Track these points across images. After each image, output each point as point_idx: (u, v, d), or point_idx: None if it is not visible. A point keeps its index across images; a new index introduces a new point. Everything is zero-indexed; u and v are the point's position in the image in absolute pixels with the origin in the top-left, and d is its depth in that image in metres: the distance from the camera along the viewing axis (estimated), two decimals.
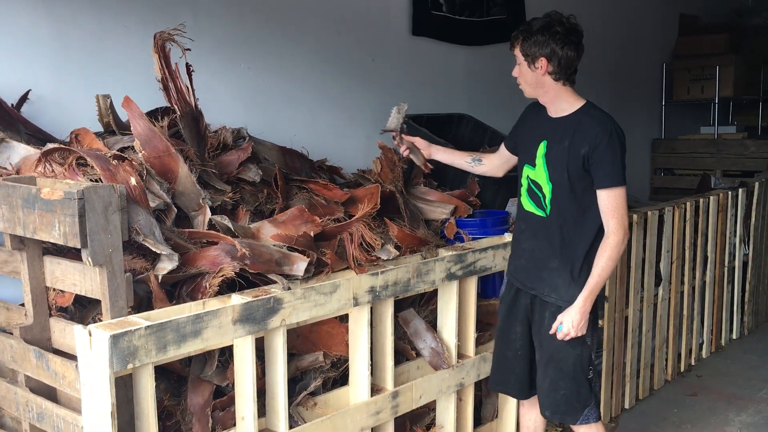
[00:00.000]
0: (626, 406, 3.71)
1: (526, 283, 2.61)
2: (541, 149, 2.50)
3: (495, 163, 2.90)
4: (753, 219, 4.81)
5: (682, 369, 4.22)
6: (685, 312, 4.20)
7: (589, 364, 2.55)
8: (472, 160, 2.93)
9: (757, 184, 4.83)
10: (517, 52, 2.51)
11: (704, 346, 4.47)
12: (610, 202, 2.39)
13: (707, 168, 6.01)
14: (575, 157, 2.41)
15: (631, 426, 3.48)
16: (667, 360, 4.07)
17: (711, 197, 4.36)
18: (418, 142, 2.96)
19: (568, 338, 2.46)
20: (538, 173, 2.52)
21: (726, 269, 4.61)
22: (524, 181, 2.60)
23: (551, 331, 2.49)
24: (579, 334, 2.46)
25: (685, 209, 4.07)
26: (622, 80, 5.77)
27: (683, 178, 6.25)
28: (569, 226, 2.49)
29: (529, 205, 2.59)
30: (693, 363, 4.33)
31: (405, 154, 2.95)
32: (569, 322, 2.44)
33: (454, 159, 2.97)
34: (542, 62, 2.42)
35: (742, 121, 7.04)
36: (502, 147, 2.83)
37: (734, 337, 4.80)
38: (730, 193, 4.57)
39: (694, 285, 4.28)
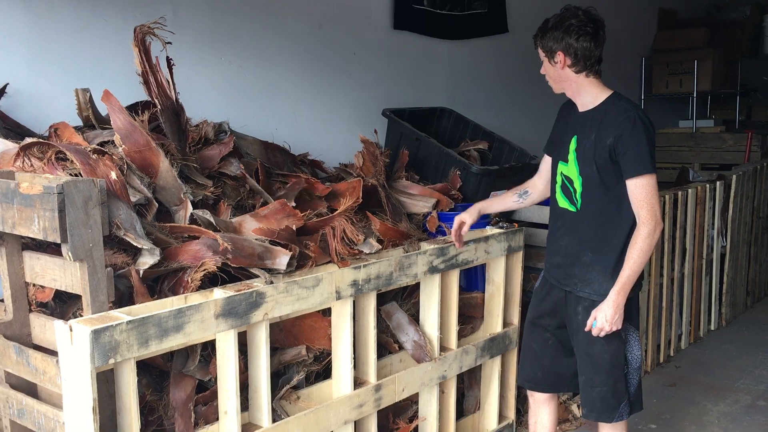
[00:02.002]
0: None
1: (561, 280, 2.58)
2: (573, 144, 2.50)
3: (541, 185, 2.80)
4: (730, 211, 4.87)
5: (662, 360, 4.28)
6: (664, 304, 4.25)
7: (624, 360, 2.51)
8: (518, 196, 2.85)
9: (734, 177, 4.89)
10: (540, 50, 2.51)
11: (683, 337, 4.53)
12: (638, 191, 2.35)
13: (686, 161, 6.07)
14: (602, 149, 2.39)
15: None
16: (646, 351, 4.12)
17: (689, 190, 4.41)
18: (468, 218, 2.80)
19: (603, 334, 2.41)
20: (570, 169, 2.51)
21: (704, 261, 4.67)
22: (558, 178, 2.58)
23: (586, 328, 2.46)
24: (614, 329, 2.41)
25: (664, 202, 4.11)
26: (602, 74, 5.80)
27: (662, 171, 6.26)
28: (602, 220, 2.46)
29: (563, 201, 2.57)
30: (672, 354, 4.39)
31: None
32: (603, 318, 2.40)
33: (504, 203, 2.88)
34: (560, 56, 2.43)
35: (720, 114, 7.12)
36: (545, 158, 2.75)
37: (712, 328, 4.87)
38: (708, 186, 4.63)
39: (673, 277, 4.33)
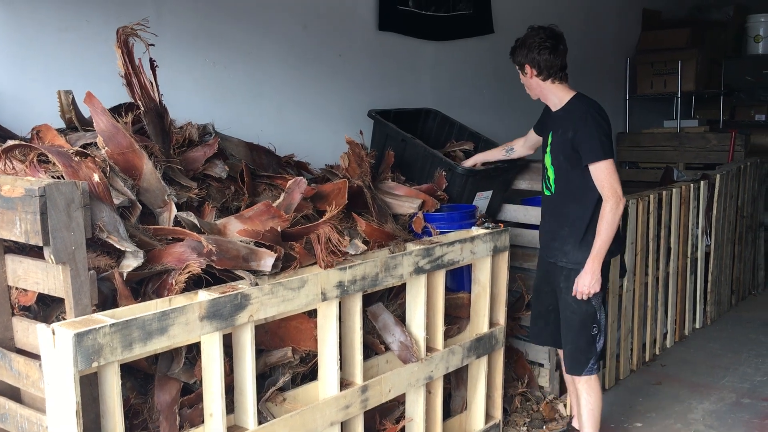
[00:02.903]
0: (606, 386, 3.78)
1: (547, 253, 3.08)
2: (549, 139, 3.00)
3: (524, 147, 3.46)
4: (714, 211, 4.91)
5: (647, 358, 4.30)
6: (649, 303, 4.27)
7: (593, 321, 2.93)
8: (506, 151, 3.55)
9: (718, 176, 4.93)
10: (515, 65, 3.02)
11: (668, 335, 4.56)
12: (598, 173, 2.81)
13: (670, 161, 6.11)
14: (566, 142, 2.87)
15: None
16: (632, 350, 4.14)
17: (674, 190, 4.44)
18: (476, 158, 3.62)
19: (585, 297, 2.87)
20: (547, 160, 3.01)
21: (689, 260, 4.70)
22: (543, 169, 3.08)
23: (572, 293, 2.90)
24: (593, 291, 2.86)
25: (649, 202, 4.14)
26: (587, 74, 5.83)
27: (647, 171, 6.35)
28: (571, 200, 2.93)
29: (544, 188, 3.08)
30: (657, 352, 4.42)
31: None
32: (583, 284, 2.85)
33: (495, 155, 3.59)
34: (528, 68, 2.95)
35: (704, 114, 7.17)
36: (531, 132, 3.37)
37: (697, 326, 4.90)
38: (692, 185, 4.66)
39: (657, 276, 4.36)
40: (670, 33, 6.65)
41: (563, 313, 3.00)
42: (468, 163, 3.61)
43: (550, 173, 2.98)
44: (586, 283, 2.85)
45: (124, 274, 2.09)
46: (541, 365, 3.77)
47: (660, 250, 4.34)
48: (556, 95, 2.96)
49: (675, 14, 7.20)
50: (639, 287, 4.13)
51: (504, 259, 3.23)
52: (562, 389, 3.74)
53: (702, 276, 4.89)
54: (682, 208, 4.52)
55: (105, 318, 1.88)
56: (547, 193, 3.04)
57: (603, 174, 2.79)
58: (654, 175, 5.72)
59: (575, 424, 3.31)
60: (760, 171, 5.74)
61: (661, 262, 4.38)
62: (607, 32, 6.36)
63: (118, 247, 2.07)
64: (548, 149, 2.99)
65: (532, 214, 3.75)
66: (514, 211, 3.86)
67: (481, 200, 3.68)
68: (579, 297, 2.87)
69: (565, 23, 5.60)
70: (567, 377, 3.25)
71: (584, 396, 3.03)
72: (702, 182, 4.77)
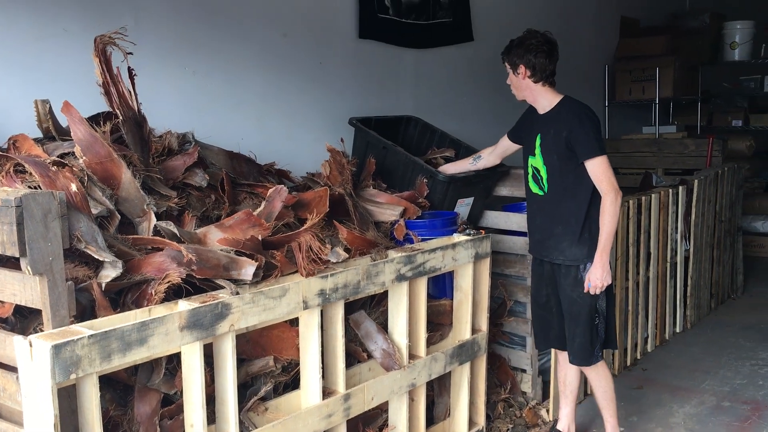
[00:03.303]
0: (588, 391, 3.79)
1: (542, 252, 3.14)
2: (537, 141, 3.06)
3: (492, 156, 3.53)
4: (693, 216, 4.96)
5: (629, 363, 4.33)
6: (630, 307, 4.30)
7: (595, 312, 3.03)
8: (472, 160, 3.59)
9: (696, 181, 4.98)
10: (506, 64, 3.10)
11: (649, 340, 4.59)
12: (595, 170, 2.91)
13: (649, 167, 6.17)
14: (560, 141, 2.95)
15: (579, 420, 3.55)
16: (613, 355, 4.16)
17: (653, 195, 4.48)
18: (444, 168, 3.63)
19: (599, 291, 2.97)
20: (537, 160, 3.07)
21: (668, 265, 4.74)
22: (529, 169, 3.14)
23: (585, 290, 2.98)
24: (606, 284, 2.97)
25: (628, 207, 4.18)
26: (566, 81, 5.85)
27: (626, 176, 6.38)
28: (565, 198, 3.01)
29: (534, 188, 3.12)
30: (639, 357, 4.44)
31: None
32: (594, 278, 2.94)
33: (461, 166, 3.62)
34: (522, 69, 3.02)
35: (681, 120, 7.25)
36: (504, 138, 3.43)
37: (678, 330, 4.94)
38: (671, 190, 4.70)
39: (638, 281, 4.39)
40: (648, 40, 6.72)
41: (568, 308, 3.07)
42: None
43: (543, 173, 3.05)
44: (599, 276, 2.94)
45: (103, 285, 2.07)
46: (524, 371, 3.78)
47: (640, 255, 4.38)
48: (545, 97, 3.05)
49: (652, 22, 7.28)
50: (620, 292, 4.15)
51: (485, 265, 3.24)
52: (545, 395, 3.75)
53: (682, 280, 4.93)
54: (661, 213, 4.56)
55: (83, 329, 1.86)
56: (539, 192, 3.09)
57: (600, 169, 2.90)
58: (633, 180, 5.77)
59: (561, 427, 3.34)
60: (738, 176, 5.81)
61: (642, 267, 4.41)
62: (586, 40, 6.42)
63: (96, 257, 2.05)
64: (537, 150, 3.05)
65: (514, 220, 3.77)
66: (496, 218, 3.87)
67: (463, 207, 3.70)
68: (593, 291, 2.97)
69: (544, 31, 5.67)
70: (561, 375, 3.34)
71: (595, 382, 3.19)
72: (680, 187, 4.81)
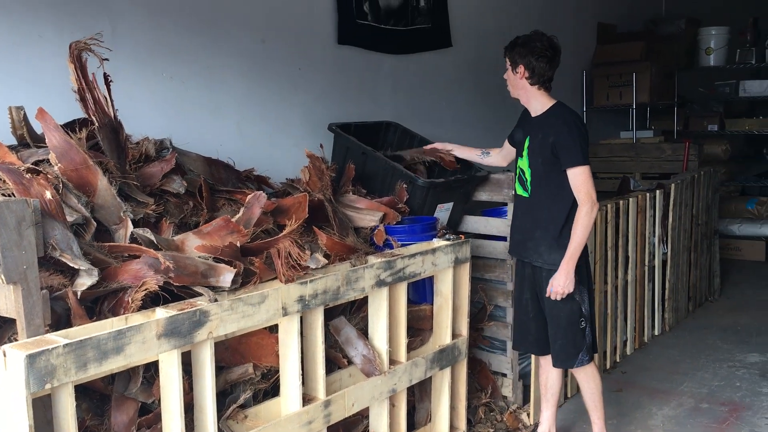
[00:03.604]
0: (568, 394, 3.81)
1: (522, 254, 3.17)
2: (526, 143, 3.09)
3: (499, 156, 3.53)
4: (670, 219, 5.01)
5: (608, 366, 4.36)
6: (609, 311, 4.33)
7: (580, 316, 3.05)
8: (481, 153, 3.61)
9: (673, 185, 5.03)
10: (507, 58, 3.09)
11: (628, 343, 4.62)
12: (575, 179, 2.93)
13: (627, 171, 6.21)
14: (546, 146, 2.97)
15: (559, 423, 3.56)
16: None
17: (630, 199, 4.52)
18: (446, 146, 3.71)
19: (559, 297, 2.97)
20: (523, 163, 3.11)
21: (646, 268, 4.79)
22: (517, 171, 3.17)
23: (546, 294, 3.01)
24: (567, 292, 2.96)
25: (607, 211, 4.21)
26: (551, 89, 5.92)
27: (605, 181, 6.44)
28: (547, 202, 3.03)
29: (519, 189, 3.16)
30: (618, 360, 4.47)
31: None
32: (558, 285, 2.95)
33: (469, 154, 3.66)
34: (521, 69, 3.02)
35: (658, 125, 7.32)
36: (506, 142, 3.42)
37: (656, 333, 4.98)
38: (648, 194, 4.75)
39: (616, 284, 4.42)
40: (625, 46, 6.79)
41: (549, 312, 3.08)
42: (439, 145, 3.71)
43: (528, 175, 3.08)
44: (561, 283, 2.95)
45: (78, 293, 2.05)
46: (504, 375, 3.79)
47: (618, 258, 4.41)
48: (538, 101, 3.06)
49: (629, 28, 7.36)
50: (599, 296, 4.18)
51: (465, 270, 3.25)
52: (526, 399, 3.77)
53: (660, 283, 4.98)
54: (639, 217, 4.60)
55: (58, 338, 1.84)
56: (524, 194, 3.12)
57: (580, 179, 2.92)
58: (612, 185, 5.81)
59: (542, 430, 3.36)
60: (714, 180, 5.88)
61: (620, 271, 4.45)
62: (564, 45, 6.42)
63: (71, 265, 2.03)
64: (525, 152, 3.08)
65: (493, 225, 3.79)
66: (475, 223, 3.89)
67: (442, 212, 3.70)
68: (553, 297, 2.99)
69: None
70: (542, 378, 3.36)
71: (584, 384, 3.19)
72: (658, 191, 4.86)
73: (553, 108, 3.05)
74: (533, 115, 3.10)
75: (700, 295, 5.71)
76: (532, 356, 3.60)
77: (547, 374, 3.33)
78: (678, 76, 7.30)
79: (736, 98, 7.59)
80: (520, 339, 3.30)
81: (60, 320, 2.05)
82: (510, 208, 3.68)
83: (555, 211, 3.01)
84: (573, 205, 2.97)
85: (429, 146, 3.74)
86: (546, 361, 3.28)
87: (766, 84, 7.25)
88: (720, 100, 7.74)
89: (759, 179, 7.60)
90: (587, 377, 3.18)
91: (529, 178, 3.08)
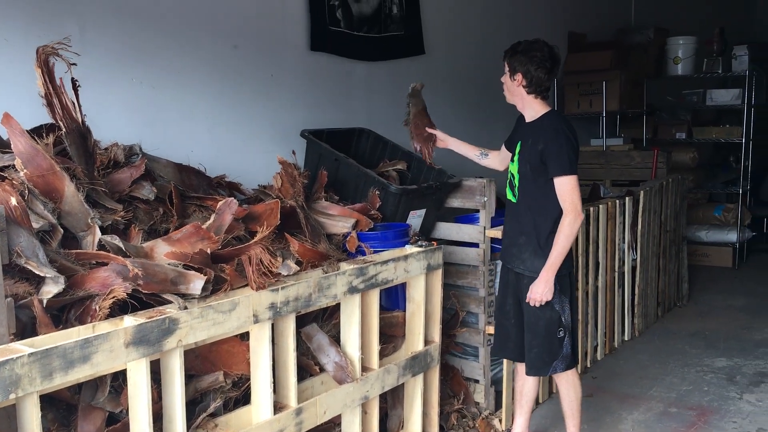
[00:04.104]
0: (540, 400, 3.83)
1: (507, 259, 3.17)
2: (518, 147, 3.10)
3: (497, 159, 3.45)
4: (639, 226, 5.08)
5: (579, 371, 4.38)
6: (579, 316, 4.37)
7: (559, 325, 3.04)
8: (480, 153, 3.50)
9: (642, 192, 5.10)
10: (506, 63, 3.07)
11: (599, 348, 4.67)
12: (561, 188, 2.92)
13: (597, 178, 6.28)
14: (535, 153, 2.97)
15: (532, 429, 3.58)
16: None
17: (600, 206, 4.57)
18: (447, 139, 3.56)
19: (537, 304, 2.98)
20: (514, 167, 3.12)
21: (616, 274, 4.84)
22: (509, 174, 3.18)
23: (526, 300, 3.01)
24: (545, 300, 2.96)
25: None
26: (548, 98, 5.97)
27: None
28: (533, 209, 3.03)
29: (509, 194, 3.17)
30: (589, 365, 4.51)
31: (417, 145, 3.59)
32: (536, 292, 2.96)
33: (467, 151, 3.53)
34: (518, 76, 3.01)
35: (628, 133, 7.42)
36: (503, 146, 3.37)
37: (626, 338, 5.03)
38: (618, 201, 4.81)
39: (587, 290, 4.46)
40: (595, 55, 6.88)
41: (528, 319, 3.07)
42: (440, 134, 3.54)
43: (516, 181, 3.09)
44: (539, 291, 2.95)
45: (44, 301, 2.01)
46: (477, 381, 3.80)
47: (589, 264, 4.45)
48: (533, 108, 3.05)
49: (599, 37, 7.45)
50: None
51: (438, 276, 3.26)
52: (498, 405, 3.78)
53: (629, 289, 5.04)
54: (609, 223, 4.65)
55: (23, 347, 1.80)
56: (512, 199, 3.13)
57: (566, 188, 2.91)
58: (582, 192, 5.86)
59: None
60: (682, 187, 5.98)
61: (590, 277, 4.49)
62: None
63: (37, 273, 2.00)
64: (516, 157, 3.09)
65: (466, 231, 3.80)
66: (448, 229, 3.90)
67: (415, 219, 3.71)
68: (531, 304, 2.99)
69: (493, 45, 5.74)
70: (518, 385, 3.36)
71: (563, 391, 3.19)
72: (627, 198, 4.92)
73: (546, 115, 3.04)
74: (527, 120, 3.10)
75: (668, 301, 5.79)
76: (505, 362, 3.61)
77: (524, 381, 3.33)
78: (647, 84, 7.41)
79: (704, 107, 7.73)
80: (500, 345, 3.29)
81: (25, 329, 2.01)
82: (482, 216, 3.71)
83: (540, 218, 3.01)
84: (559, 213, 2.96)
85: (431, 130, 3.55)
86: (523, 367, 3.29)
87: (733, 93, 7.39)
88: (688, 109, 7.87)
89: (726, 186, 7.74)
90: (568, 385, 3.18)
91: (517, 184, 3.08)
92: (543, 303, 2.97)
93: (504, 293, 3.23)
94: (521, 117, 3.17)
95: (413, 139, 3.61)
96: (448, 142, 3.55)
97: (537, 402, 3.87)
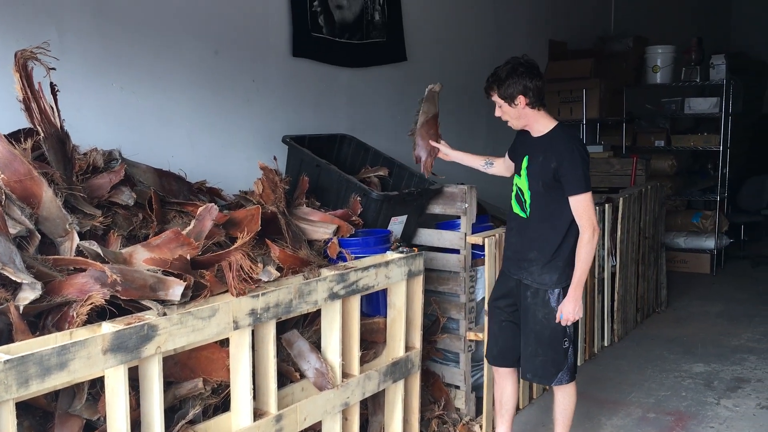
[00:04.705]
0: (519, 406, 3.84)
1: (512, 270, 3.18)
2: (525, 162, 3.08)
3: (502, 167, 3.46)
4: (619, 232, 5.12)
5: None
6: None
7: (564, 336, 3.07)
8: (485, 162, 3.52)
9: (621, 199, 5.15)
10: (496, 98, 3.04)
11: (579, 354, 4.69)
12: (577, 205, 2.94)
13: None
14: (547, 170, 2.96)
15: None
16: None
17: None
18: (451, 152, 3.56)
19: (570, 323, 3.02)
20: (522, 182, 3.10)
21: (596, 280, 4.88)
22: (513, 188, 3.16)
23: (556, 321, 3.02)
24: (577, 318, 3.02)
25: None
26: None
27: None
28: (544, 225, 3.04)
29: (516, 208, 3.16)
30: None
31: (421, 155, 3.59)
32: (567, 311, 2.99)
33: (473, 162, 3.55)
34: (520, 99, 2.97)
35: (608, 140, 7.48)
36: (506, 155, 3.37)
37: (606, 344, 5.07)
38: (597, 208, 4.85)
39: None
40: (575, 63, 6.94)
41: (531, 327, 3.09)
42: (443, 147, 3.54)
43: (527, 196, 3.07)
44: (571, 310, 2.99)
45: (21, 307, 1.99)
46: (458, 387, 3.81)
47: None
48: (541, 123, 3.04)
49: (579, 45, 7.53)
50: None
51: (419, 282, 3.26)
52: (478, 411, 3.79)
53: (609, 295, 5.08)
54: None
55: None
56: (522, 214, 3.11)
57: (582, 206, 2.93)
58: None
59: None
60: (661, 194, 6.04)
61: None
62: None
63: (13, 279, 1.98)
64: (524, 172, 3.07)
65: (447, 238, 3.81)
66: (429, 236, 3.91)
67: (396, 225, 3.72)
68: (564, 323, 3.01)
69: (475, 53, 5.80)
70: (497, 394, 3.35)
71: (560, 400, 3.20)
72: (606, 205, 4.96)
73: (555, 131, 3.03)
74: (534, 135, 3.08)
75: (647, 307, 5.84)
76: (486, 368, 3.62)
77: (503, 389, 3.33)
78: (626, 92, 7.49)
79: (682, 115, 7.82)
80: (488, 349, 3.34)
81: (1, 335, 1.99)
82: (463, 222, 3.72)
83: (552, 233, 3.03)
84: (569, 228, 2.99)
85: (434, 143, 3.55)
86: (502, 375, 3.30)
87: (711, 102, 7.48)
88: (666, 117, 7.96)
89: (704, 194, 7.83)
90: (565, 395, 3.19)
91: (528, 200, 3.07)
92: (575, 321, 3.02)
93: (497, 295, 3.26)
94: (525, 132, 3.15)
95: (416, 148, 3.58)
96: (451, 155, 3.55)
97: (518, 408, 3.89)
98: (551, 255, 3.02)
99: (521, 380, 3.77)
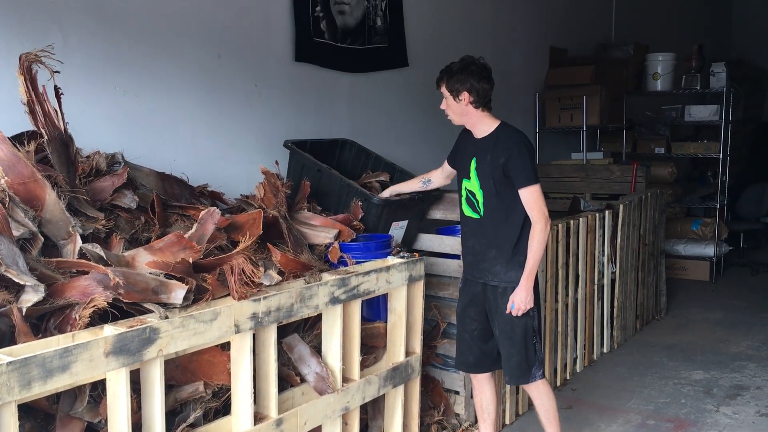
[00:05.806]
0: (506, 421, 3.84)
1: (474, 274, 3.19)
2: (473, 165, 3.11)
3: (441, 178, 3.56)
4: (619, 239, 5.13)
5: (558, 383, 4.42)
6: (559, 328, 4.40)
7: (532, 332, 3.10)
8: (422, 182, 3.62)
9: (621, 206, 5.15)
10: (444, 89, 3.11)
11: (578, 360, 4.70)
12: (528, 197, 3.00)
13: (577, 191, 6.33)
14: (497, 167, 3.01)
15: None
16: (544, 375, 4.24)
17: (580, 219, 4.61)
18: (393, 190, 3.68)
19: (520, 313, 3.03)
20: (472, 184, 3.13)
21: (596, 287, 4.88)
22: (463, 192, 3.19)
23: (507, 311, 3.04)
24: (528, 308, 3.03)
25: (557, 231, 4.29)
26: (498, 108, 6.00)
27: (556, 201, 6.55)
28: (499, 222, 3.07)
29: (468, 211, 3.18)
30: (568, 377, 4.54)
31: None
32: (519, 300, 3.01)
33: (412, 187, 3.65)
34: (464, 95, 3.04)
35: (608, 147, 7.50)
36: (445, 163, 3.46)
37: (605, 351, 5.07)
38: (597, 215, 4.86)
39: (567, 302, 4.50)
40: (576, 70, 6.95)
41: (503, 329, 3.10)
42: (384, 194, 3.65)
43: (479, 197, 3.09)
44: (522, 299, 3.01)
45: (24, 310, 2.00)
46: (457, 393, 3.81)
47: (569, 277, 4.49)
48: (484, 123, 3.09)
49: (580, 52, 7.55)
50: (550, 313, 4.25)
51: (419, 288, 3.27)
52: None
53: (609, 302, 5.08)
54: (588, 236, 4.70)
55: (1, 356, 1.79)
56: (474, 215, 3.14)
57: (533, 197, 2.99)
58: (563, 204, 5.92)
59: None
60: (661, 201, 6.05)
61: (570, 289, 4.52)
62: (517, 68, 6.60)
63: (16, 281, 1.98)
64: (473, 174, 3.10)
65: (447, 243, 3.82)
66: (429, 241, 3.92)
67: (397, 230, 3.73)
68: (515, 313, 3.02)
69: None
70: (477, 400, 3.35)
71: (537, 401, 3.22)
72: (607, 212, 4.97)
73: (500, 129, 3.09)
74: (478, 136, 3.13)
75: (647, 314, 5.84)
76: (463, 376, 3.61)
77: (482, 395, 3.33)
78: (627, 99, 7.51)
79: (682, 122, 7.84)
80: (463, 357, 3.29)
81: (4, 337, 1.99)
82: None
83: (508, 229, 3.06)
84: (524, 222, 3.04)
85: (383, 195, 3.66)
86: (480, 381, 3.30)
87: (711, 109, 7.50)
88: (667, 124, 7.97)
89: (703, 201, 7.84)
90: (540, 394, 3.20)
91: (481, 199, 3.09)
92: (525, 311, 3.02)
93: (464, 304, 3.25)
94: (467, 133, 3.21)
95: None
96: (394, 191, 3.66)
97: (517, 413, 3.89)
98: (511, 251, 3.05)
99: (506, 392, 3.79)
